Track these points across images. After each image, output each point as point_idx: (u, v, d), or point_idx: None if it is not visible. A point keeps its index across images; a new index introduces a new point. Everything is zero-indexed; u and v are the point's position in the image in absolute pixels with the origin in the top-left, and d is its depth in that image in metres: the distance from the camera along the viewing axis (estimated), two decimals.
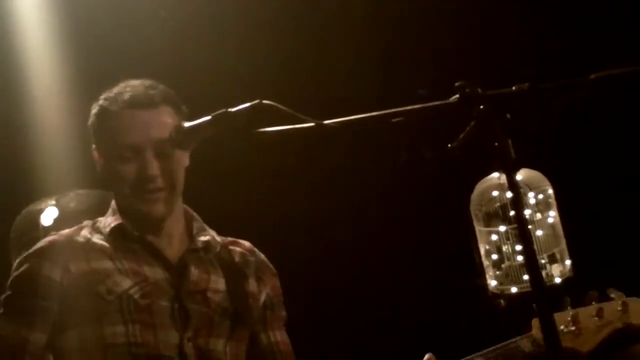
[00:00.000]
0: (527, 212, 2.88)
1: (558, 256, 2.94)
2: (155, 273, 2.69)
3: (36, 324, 2.61)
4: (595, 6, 4.61)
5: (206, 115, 2.27)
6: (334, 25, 4.89)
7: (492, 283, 2.96)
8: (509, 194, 2.83)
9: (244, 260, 2.87)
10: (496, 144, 2.02)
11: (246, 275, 2.85)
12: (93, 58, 4.60)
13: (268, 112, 2.18)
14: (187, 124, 2.32)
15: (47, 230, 3.44)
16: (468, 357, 2.79)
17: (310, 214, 4.89)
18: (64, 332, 2.62)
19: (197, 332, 2.66)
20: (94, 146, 2.79)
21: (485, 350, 2.80)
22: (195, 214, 2.88)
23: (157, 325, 2.62)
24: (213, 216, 2.94)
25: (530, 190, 2.94)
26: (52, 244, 2.71)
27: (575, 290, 2.95)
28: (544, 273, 2.84)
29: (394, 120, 2.13)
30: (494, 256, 2.96)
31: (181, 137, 2.34)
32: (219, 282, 2.78)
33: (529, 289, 2.81)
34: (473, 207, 3.01)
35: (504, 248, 2.95)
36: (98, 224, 2.79)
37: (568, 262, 2.94)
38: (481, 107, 2.04)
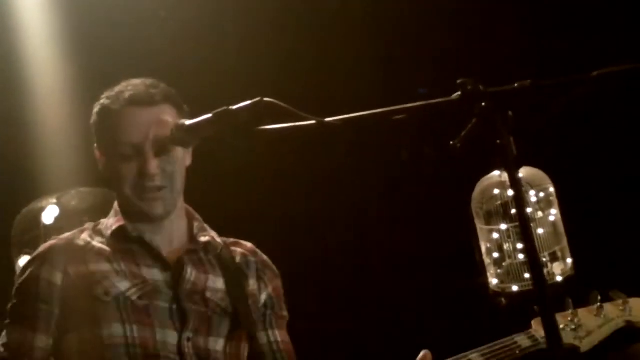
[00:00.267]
0: (529, 210, 2.87)
1: (559, 254, 2.93)
2: (154, 274, 2.70)
3: (39, 327, 2.64)
4: (595, 6, 4.61)
5: (207, 114, 2.26)
6: (335, 24, 4.88)
7: (493, 281, 2.95)
8: (510, 192, 2.84)
9: (245, 261, 2.87)
10: (498, 141, 2.02)
11: (247, 275, 2.85)
12: (94, 57, 4.60)
13: (269, 110, 2.18)
14: (188, 122, 2.32)
15: (48, 229, 3.46)
16: (464, 354, 2.79)
17: (311, 213, 4.89)
18: (64, 335, 2.65)
19: (196, 332, 2.67)
20: (95, 145, 2.80)
21: (482, 347, 2.80)
22: (196, 214, 2.88)
23: (155, 325, 2.63)
24: (213, 216, 2.94)
25: (532, 188, 2.93)
26: (51, 247, 2.73)
27: (577, 289, 2.95)
28: (545, 271, 2.83)
29: (395, 117, 2.13)
30: (495, 254, 2.95)
31: (182, 135, 2.34)
32: (217, 283, 2.78)
33: (530, 288, 2.83)
34: (474, 205, 3.00)
35: (505, 246, 2.94)
36: (100, 227, 2.80)
37: (569, 260, 2.93)
38: (483, 104, 2.04)
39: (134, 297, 2.64)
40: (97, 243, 2.74)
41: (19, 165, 4.69)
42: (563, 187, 3.01)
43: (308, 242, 4.84)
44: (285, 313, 2.91)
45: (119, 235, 2.74)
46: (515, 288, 2.91)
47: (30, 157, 4.67)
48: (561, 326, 2.80)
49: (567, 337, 2.82)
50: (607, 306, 2.87)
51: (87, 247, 2.72)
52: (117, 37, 4.70)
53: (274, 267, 2.93)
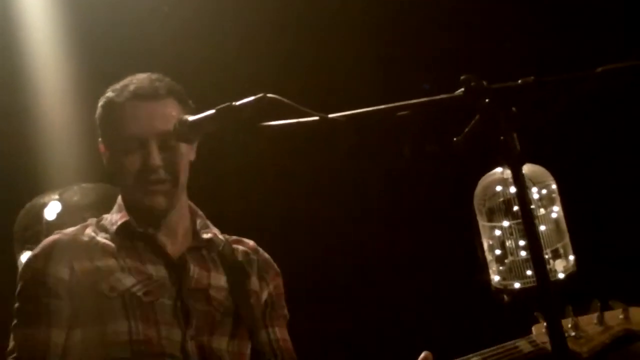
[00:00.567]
0: (531, 207, 2.87)
1: (561, 251, 2.94)
2: (158, 271, 2.70)
3: (54, 322, 2.61)
4: (596, 5, 4.61)
5: (209, 110, 2.26)
6: (335, 22, 4.88)
7: (495, 278, 2.96)
8: (513, 189, 2.85)
9: (247, 259, 2.88)
10: (501, 137, 2.02)
11: (248, 273, 2.85)
12: (97, 53, 4.60)
13: (272, 106, 2.18)
14: (191, 118, 2.32)
15: (51, 225, 3.45)
16: (466, 357, 2.79)
17: (311, 211, 4.89)
18: (71, 331, 2.62)
19: (200, 330, 2.67)
20: (100, 139, 2.80)
21: (484, 350, 2.80)
22: (199, 210, 2.88)
23: (160, 322, 2.63)
24: (216, 213, 2.95)
25: (534, 185, 2.94)
26: (56, 243, 2.71)
27: (577, 298, 2.96)
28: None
29: (399, 113, 2.13)
30: (497, 251, 2.95)
31: (185, 131, 2.33)
32: (220, 280, 2.78)
33: (532, 285, 2.83)
34: (476, 202, 3.00)
35: (508, 243, 2.95)
36: (103, 222, 2.79)
37: (572, 257, 2.94)
38: (486, 100, 2.04)
39: (140, 294, 2.64)
40: (102, 238, 2.73)
41: (21, 161, 4.69)
42: (565, 184, 3.02)
43: (310, 239, 4.84)
44: (285, 312, 2.92)
45: (124, 231, 2.73)
46: (517, 285, 2.92)
47: (32, 152, 4.66)
48: None
49: (569, 344, 2.82)
50: (607, 314, 2.88)
51: (92, 243, 2.71)
52: (120, 33, 4.70)
53: (275, 265, 2.93)
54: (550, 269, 2.88)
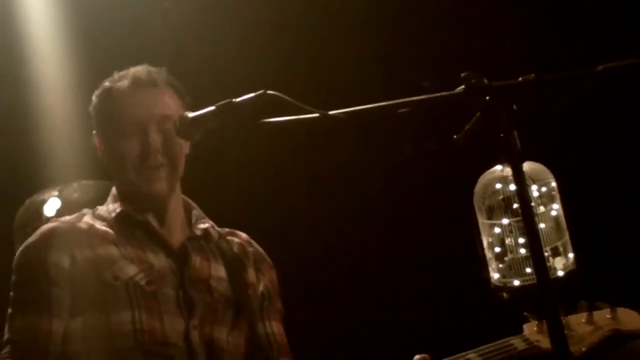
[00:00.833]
0: (531, 205, 2.87)
1: (561, 249, 2.94)
2: (160, 260, 2.69)
3: (55, 311, 2.58)
4: (596, 6, 4.62)
5: (210, 107, 2.26)
6: (335, 21, 4.89)
7: (495, 276, 2.96)
8: (512, 187, 2.85)
9: (243, 251, 2.88)
10: (502, 135, 2.02)
11: (245, 265, 2.85)
12: (97, 50, 4.60)
13: (272, 103, 2.18)
14: (191, 114, 2.32)
15: (50, 221, 3.44)
16: (461, 354, 2.79)
17: (311, 209, 4.89)
18: (71, 319, 2.59)
19: (203, 320, 2.66)
20: (94, 131, 2.79)
21: (480, 347, 2.81)
22: (193, 203, 2.88)
23: (163, 312, 2.61)
24: (216, 210, 2.94)
25: (534, 182, 2.94)
26: (53, 230, 2.68)
27: (578, 288, 2.96)
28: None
29: (400, 110, 2.14)
30: (497, 249, 2.95)
31: (185, 127, 2.33)
32: (219, 271, 2.78)
33: (532, 282, 2.83)
34: (476, 200, 3.00)
35: (507, 241, 2.95)
36: (99, 212, 2.77)
37: (571, 255, 2.94)
38: (487, 98, 2.04)
39: (142, 283, 2.62)
40: (101, 226, 2.71)
41: (21, 158, 4.69)
42: (565, 181, 3.02)
43: (308, 238, 4.84)
44: (280, 305, 2.91)
45: (123, 218, 2.72)
46: (516, 282, 2.92)
47: (32, 149, 4.67)
48: None
49: None
50: (596, 314, 2.88)
51: (91, 230, 2.69)
52: (120, 28, 4.70)
53: (268, 258, 2.93)
54: (550, 266, 2.88)
